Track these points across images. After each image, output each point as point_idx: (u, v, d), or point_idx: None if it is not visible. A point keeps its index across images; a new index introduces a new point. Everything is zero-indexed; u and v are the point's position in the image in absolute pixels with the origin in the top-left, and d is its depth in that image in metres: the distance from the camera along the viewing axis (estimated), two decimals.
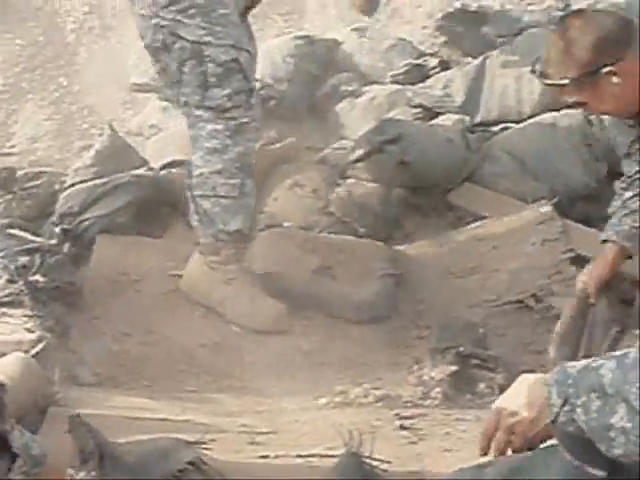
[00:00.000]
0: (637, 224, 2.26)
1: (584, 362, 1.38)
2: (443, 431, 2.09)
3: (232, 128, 2.53)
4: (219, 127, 2.53)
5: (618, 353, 1.37)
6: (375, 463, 1.65)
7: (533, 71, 2.16)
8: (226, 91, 2.51)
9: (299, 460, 1.84)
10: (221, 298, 2.60)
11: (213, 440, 1.78)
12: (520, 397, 1.50)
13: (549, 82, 2.10)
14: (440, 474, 1.69)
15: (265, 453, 1.87)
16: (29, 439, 1.53)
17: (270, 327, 2.59)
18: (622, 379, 1.32)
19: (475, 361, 2.47)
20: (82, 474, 1.59)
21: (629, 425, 1.30)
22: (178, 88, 2.56)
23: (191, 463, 1.65)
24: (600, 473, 1.39)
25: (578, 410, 1.34)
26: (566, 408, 1.37)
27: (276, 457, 1.86)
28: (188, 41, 2.49)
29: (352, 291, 2.74)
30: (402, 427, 2.11)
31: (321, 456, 1.84)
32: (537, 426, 1.45)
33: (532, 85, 3.31)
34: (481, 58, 3.48)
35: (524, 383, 1.52)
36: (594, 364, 1.36)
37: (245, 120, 2.55)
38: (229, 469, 1.71)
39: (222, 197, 2.56)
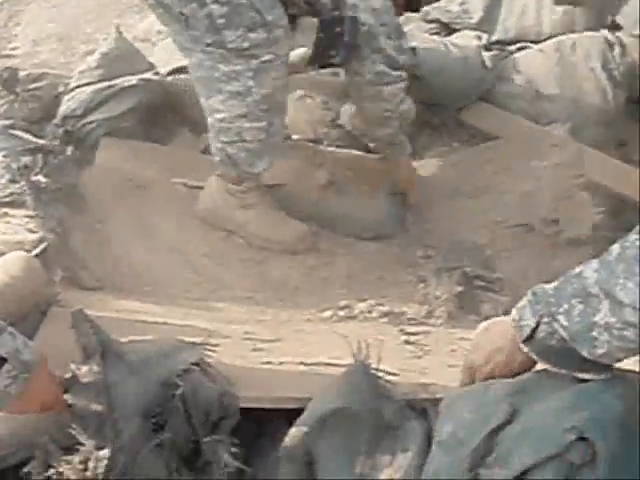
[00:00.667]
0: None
1: (560, 278, 1.43)
2: (448, 348, 2.07)
3: (254, 68, 2.34)
4: (238, 68, 2.33)
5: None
6: (382, 374, 1.63)
7: None
8: (239, 31, 2.29)
9: (303, 367, 1.83)
10: (242, 222, 2.55)
11: (216, 345, 1.76)
12: (485, 346, 1.55)
13: None
14: (446, 388, 1.69)
15: (269, 359, 1.85)
16: (21, 343, 1.50)
17: (294, 248, 2.56)
18: (607, 275, 1.34)
19: (480, 282, 2.46)
20: (84, 370, 1.58)
21: (613, 319, 1.33)
22: (181, 34, 2.37)
23: (195, 364, 1.64)
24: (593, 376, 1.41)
25: (560, 318, 1.38)
26: (545, 320, 1.41)
27: (280, 364, 1.83)
28: None
29: (357, 208, 2.70)
30: (407, 342, 2.09)
31: (326, 364, 1.82)
32: (513, 364, 1.51)
33: (553, 5, 3.23)
34: None
35: (483, 333, 1.58)
36: (574, 272, 1.40)
37: (268, 58, 2.34)
38: (233, 373, 1.69)
39: (248, 142, 2.42)
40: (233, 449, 1.57)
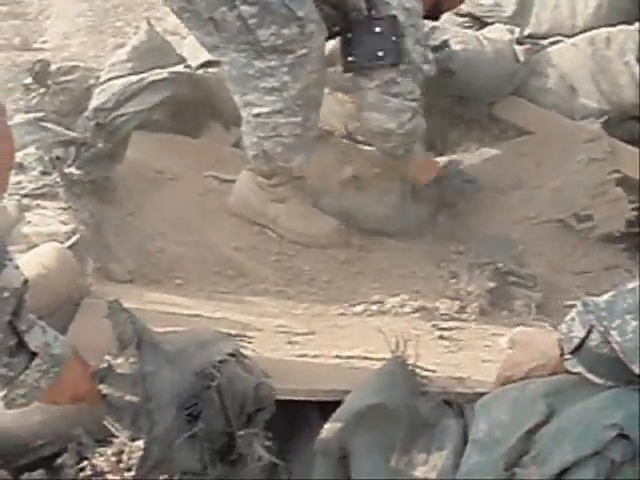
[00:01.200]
0: None
1: (610, 292, 1.44)
2: (481, 343, 2.06)
3: (289, 63, 2.33)
4: (273, 63, 2.32)
5: None
6: (418, 370, 1.62)
7: None
8: (272, 29, 2.28)
9: (338, 360, 1.82)
10: (274, 216, 2.54)
11: (251, 337, 1.75)
12: (523, 364, 1.58)
13: None
14: (482, 382, 1.67)
15: (303, 352, 1.85)
16: (52, 337, 1.50)
17: (325, 243, 2.55)
18: None
19: (513, 278, 2.44)
20: (120, 360, 1.58)
21: None
22: (210, 36, 2.36)
23: (231, 355, 1.63)
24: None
25: (613, 333, 1.39)
26: (598, 329, 1.41)
27: (314, 357, 1.83)
28: None
29: (370, 204, 2.68)
30: (441, 337, 2.08)
31: (360, 358, 1.82)
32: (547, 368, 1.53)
33: None
34: None
35: (521, 351, 1.60)
36: (627, 287, 1.41)
37: (303, 52, 2.33)
38: (268, 365, 1.68)
39: (285, 137, 2.41)
40: (267, 442, 1.57)
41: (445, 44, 2.92)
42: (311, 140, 2.48)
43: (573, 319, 1.47)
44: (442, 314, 2.27)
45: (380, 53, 2.44)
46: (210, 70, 3.02)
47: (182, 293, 2.21)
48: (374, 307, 2.26)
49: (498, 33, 3.14)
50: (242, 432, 1.56)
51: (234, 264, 2.43)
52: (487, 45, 3.04)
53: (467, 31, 3.11)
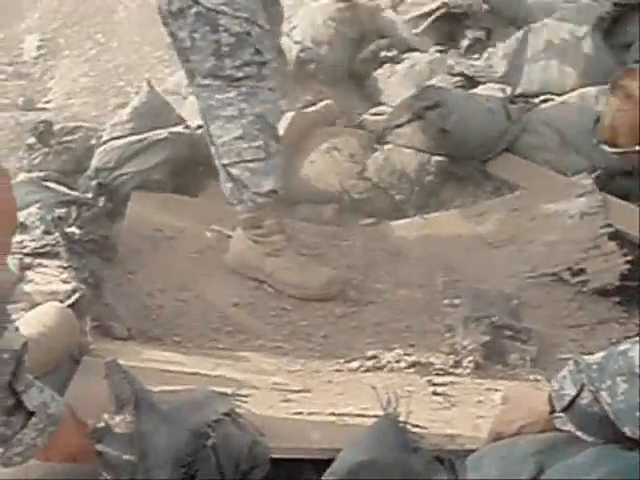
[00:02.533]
0: None
1: (602, 352, 1.46)
2: (475, 399, 2.07)
3: (244, 92, 2.52)
4: (231, 95, 2.52)
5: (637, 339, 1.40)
6: (410, 427, 1.64)
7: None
8: (237, 62, 2.49)
9: (333, 418, 1.84)
10: (270, 271, 2.60)
11: (246, 396, 1.78)
12: (515, 421, 1.59)
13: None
14: (474, 439, 1.70)
15: (299, 410, 1.86)
16: (49, 397, 1.53)
17: (323, 295, 2.59)
18: None
19: (508, 332, 2.46)
20: (118, 419, 1.60)
21: None
22: (186, 56, 2.55)
23: (227, 414, 1.66)
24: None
25: (603, 394, 1.39)
26: (589, 390, 1.42)
27: (310, 414, 1.85)
28: (205, 7, 2.47)
29: None
30: (435, 393, 2.09)
31: (355, 415, 1.83)
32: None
33: (576, 58, 3.27)
34: (525, 29, 3.44)
35: (512, 408, 1.63)
36: (619, 349, 1.41)
37: (259, 84, 2.54)
38: (263, 423, 1.70)
39: (249, 161, 2.55)
40: None
41: (438, 104, 2.98)
42: (277, 167, 2.60)
43: (565, 377, 1.48)
44: (437, 369, 2.28)
45: None
46: None
47: (181, 350, 2.24)
48: (369, 363, 2.28)
49: (490, 92, 3.20)
50: None
51: (232, 320, 2.46)
52: (481, 102, 3.10)
53: (460, 90, 3.16)
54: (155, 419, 1.60)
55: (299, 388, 2.03)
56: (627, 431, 1.38)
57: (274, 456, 1.64)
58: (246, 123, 2.53)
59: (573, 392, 1.45)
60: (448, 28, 3.53)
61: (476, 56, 3.42)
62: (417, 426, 1.68)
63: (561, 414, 1.49)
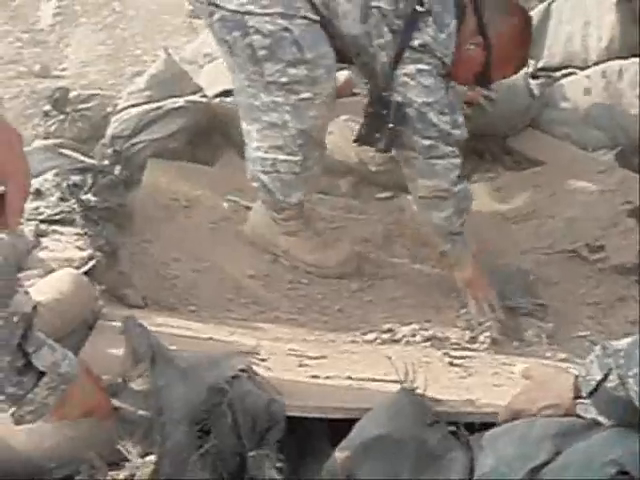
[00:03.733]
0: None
1: (629, 339, 1.45)
2: (492, 371, 2.07)
3: (292, 103, 2.32)
4: (278, 99, 2.32)
5: None
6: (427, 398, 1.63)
7: None
8: (279, 65, 2.28)
9: (350, 382, 1.82)
10: (286, 248, 2.57)
11: (263, 360, 1.76)
12: (538, 401, 1.58)
13: None
14: (491, 404, 1.69)
15: (315, 374, 1.85)
16: (60, 356, 1.53)
17: (339, 272, 2.56)
18: None
19: (524, 308, 2.45)
20: (134, 374, 1.59)
21: None
22: (228, 57, 2.38)
23: (243, 370, 1.63)
24: None
25: (630, 380, 1.39)
26: (617, 374, 1.42)
27: (327, 378, 1.83)
28: (228, 11, 2.27)
29: None
30: (451, 364, 2.10)
31: (373, 380, 1.82)
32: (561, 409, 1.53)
33: (600, 31, 3.22)
34: (547, 1, 3.39)
35: (537, 387, 1.62)
36: None
37: (308, 95, 2.32)
38: (279, 384, 1.69)
39: (282, 173, 2.42)
40: (279, 464, 1.56)
41: None
42: (310, 178, 2.49)
43: (592, 362, 1.48)
44: (453, 343, 2.28)
45: (377, 135, 2.42)
46: (226, 99, 3.05)
47: (196, 319, 2.23)
48: (385, 336, 2.28)
49: None
50: (253, 453, 1.55)
51: (248, 292, 2.45)
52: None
53: None
54: (171, 374, 1.58)
55: (315, 355, 2.02)
56: None
57: (291, 414, 1.61)
58: (288, 136, 2.36)
59: (600, 376, 1.44)
60: None
61: None
62: (434, 399, 1.66)
63: (585, 400, 1.49)
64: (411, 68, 2.34)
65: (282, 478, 1.56)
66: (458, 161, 2.43)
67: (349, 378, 1.83)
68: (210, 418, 1.55)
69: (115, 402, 1.60)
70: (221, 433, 1.55)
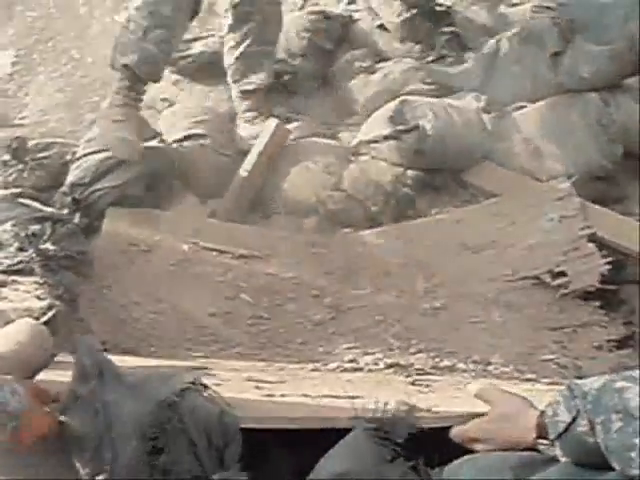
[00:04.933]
0: None
1: (597, 381, 1.42)
2: (453, 388, 2.08)
3: None
4: None
5: (632, 374, 1.38)
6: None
7: None
8: None
9: (306, 399, 1.80)
10: None
11: (217, 384, 1.74)
12: (500, 436, 1.57)
13: None
14: (450, 412, 1.69)
15: (271, 393, 1.83)
16: (8, 394, 1.54)
17: None
18: None
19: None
20: (83, 390, 1.57)
21: None
22: None
23: (193, 383, 1.61)
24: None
25: (598, 427, 1.37)
26: (585, 419, 1.40)
27: (282, 396, 1.81)
28: None
29: None
30: (413, 384, 2.10)
31: (329, 397, 1.81)
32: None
33: (548, 66, 3.28)
34: (497, 37, 3.45)
35: (502, 423, 1.59)
36: (614, 385, 1.38)
37: None
38: (233, 402, 1.65)
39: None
40: None
41: (416, 127, 2.98)
42: None
43: (558, 403, 1.46)
44: (417, 369, 2.29)
45: None
46: (185, 144, 3.08)
47: (155, 358, 2.23)
48: (348, 365, 2.28)
49: (465, 101, 3.21)
50: (217, 476, 1.51)
51: (209, 330, 2.46)
52: (456, 116, 3.09)
53: (435, 100, 3.16)
54: (120, 390, 1.57)
55: (273, 380, 2.00)
56: (617, 468, 1.35)
57: (245, 426, 1.57)
58: None
59: (568, 418, 1.42)
60: (423, 34, 3.53)
61: (450, 63, 3.42)
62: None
63: (549, 441, 1.47)
64: None
65: None
66: None
67: (305, 396, 1.81)
68: (162, 434, 1.52)
69: (63, 418, 1.58)
70: (176, 452, 1.52)
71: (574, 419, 1.41)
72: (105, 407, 1.55)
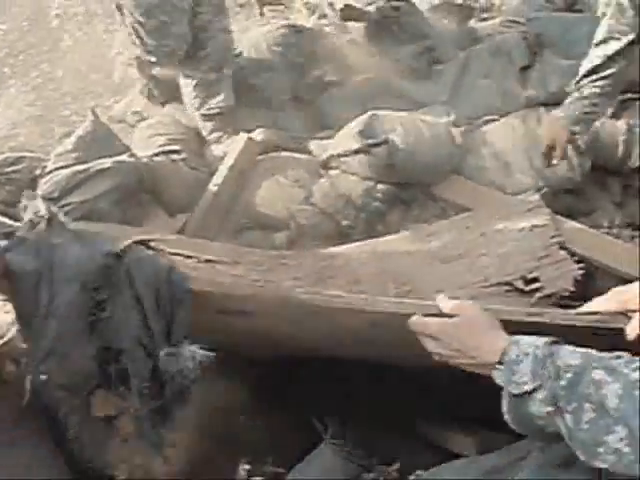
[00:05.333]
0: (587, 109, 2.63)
1: (577, 357, 1.36)
2: None
3: None
4: None
5: (614, 366, 1.33)
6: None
7: None
8: None
9: None
10: None
11: None
12: (465, 342, 1.49)
13: None
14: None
15: None
16: None
17: None
18: (632, 411, 1.28)
19: None
20: (31, 235, 1.54)
21: (627, 449, 1.28)
22: None
23: (140, 242, 1.57)
24: None
25: (567, 416, 1.33)
26: (540, 396, 1.36)
27: None
28: None
29: None
30: None
31: None
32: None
33: (516, 79, 3.31)
34: (467, 51, 3.48)
35: (473, 334, 1.51)
36: (593, 375, 1.33)
37: None
38: None
39: None
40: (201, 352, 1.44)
41: (386, 141, 2.99)
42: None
43: (527, 355, 1.38)
44: None
45: None
46: (155, 159, 3.07)
47: None
48: None
49: (435, 114, 3.22)
50: (165, 351, 1.43)
51: None
52: (425, 130, 3.11)
53: (404, 114, 3.17)
54: (67, 236, 1.52)
55: None
56: (582, 457, 1.32)
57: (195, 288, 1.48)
58: None
59: (529, 387, 1.36)
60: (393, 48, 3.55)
61: (420, 77, 3.45)
62: None
63: (501, 367, 1.40)
64: None
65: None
66: None
67: None
68: (107, 286, 1.45)
69: (7, 255, 1.51)
70: (121, 307, 1.44)
71: (534, 389, 1.36)
72: (50, 249, 1.48)
